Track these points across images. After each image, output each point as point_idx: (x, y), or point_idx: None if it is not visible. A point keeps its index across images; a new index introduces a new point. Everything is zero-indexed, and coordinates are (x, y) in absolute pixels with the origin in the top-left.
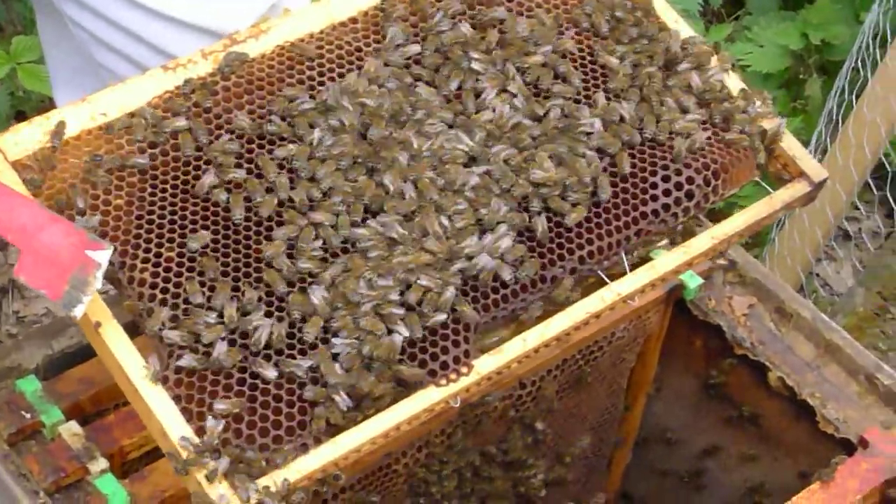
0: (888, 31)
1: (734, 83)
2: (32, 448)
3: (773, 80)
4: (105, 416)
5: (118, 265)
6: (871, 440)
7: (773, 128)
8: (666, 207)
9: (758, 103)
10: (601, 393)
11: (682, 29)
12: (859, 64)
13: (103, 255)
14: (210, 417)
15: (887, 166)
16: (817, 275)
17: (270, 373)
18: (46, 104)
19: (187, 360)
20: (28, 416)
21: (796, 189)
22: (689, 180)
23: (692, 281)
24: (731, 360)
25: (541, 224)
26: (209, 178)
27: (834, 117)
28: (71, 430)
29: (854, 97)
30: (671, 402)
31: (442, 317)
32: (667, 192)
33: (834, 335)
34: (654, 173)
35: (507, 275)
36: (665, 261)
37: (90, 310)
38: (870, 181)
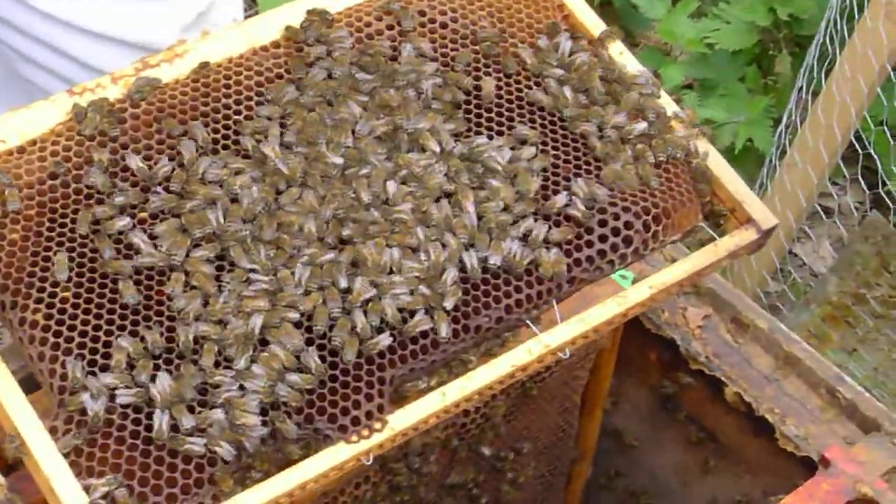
0: (854, 7)
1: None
2: None
3: (741, 56)
4: None
5: (10, 305)
6: (833, 459)
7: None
8: (602, 254)
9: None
10: (553, 412)
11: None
12: (828, 39)
13: None
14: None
15: (858, 148)
16: (795, 254)
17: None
18: None
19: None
20: None
21: (743, 237)
22: (628, 225)
23: None
24: (686, 373)
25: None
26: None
27: (804, 95)
28: None
29: (824, 74)
30: (629, 415)
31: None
32: (603, 238)
33: (793, 346)
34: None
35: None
36: (597, 312)
37: None
38: (840, 163)
